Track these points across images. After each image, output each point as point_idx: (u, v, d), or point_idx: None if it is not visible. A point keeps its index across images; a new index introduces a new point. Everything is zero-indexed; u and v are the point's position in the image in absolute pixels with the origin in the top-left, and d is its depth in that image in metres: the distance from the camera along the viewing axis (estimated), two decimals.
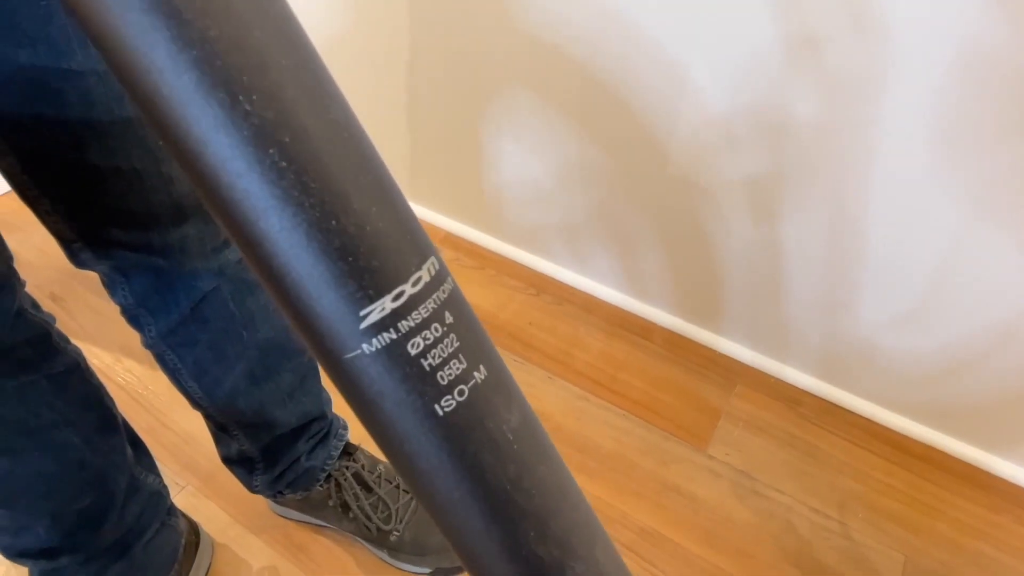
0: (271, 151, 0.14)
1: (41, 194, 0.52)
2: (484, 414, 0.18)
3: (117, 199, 0.53)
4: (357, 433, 0.92)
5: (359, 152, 0.16)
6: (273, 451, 0.79)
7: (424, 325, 0.17)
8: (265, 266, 0.15)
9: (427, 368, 0.17)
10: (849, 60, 0.80)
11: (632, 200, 1.12)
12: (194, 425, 1.02)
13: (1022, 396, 0.94)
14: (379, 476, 0.89)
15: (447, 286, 0.18)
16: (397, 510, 0.87)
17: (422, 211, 1.44)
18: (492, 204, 1.32)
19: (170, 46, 0.13)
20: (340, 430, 0.86)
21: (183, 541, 0.81)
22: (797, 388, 1.13)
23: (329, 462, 0.84)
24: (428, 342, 0.17)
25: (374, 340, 0.16)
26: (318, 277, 0.15)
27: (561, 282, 1.31)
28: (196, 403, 0.72)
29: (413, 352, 0.17)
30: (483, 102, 1.17)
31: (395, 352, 0.16)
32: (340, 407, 0.89)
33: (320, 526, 0.91)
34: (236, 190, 0.14)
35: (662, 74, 0.94)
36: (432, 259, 0.17)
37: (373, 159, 0.16)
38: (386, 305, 0.16)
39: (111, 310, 0.68)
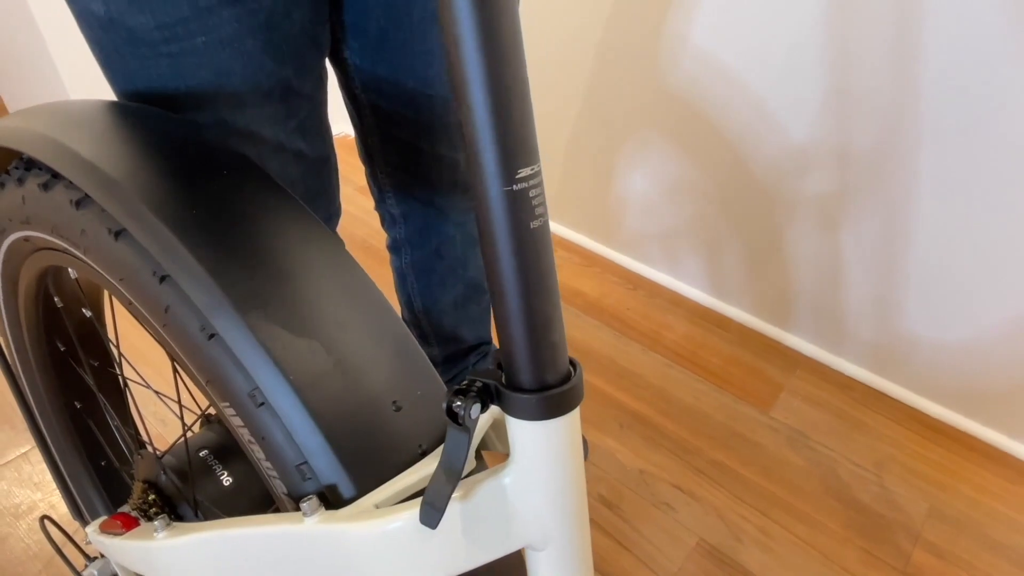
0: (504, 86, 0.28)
1: (384, 160, 0.85)
2: (546, 237, 0.30)
3: (427, 171, 0.83)
4: None
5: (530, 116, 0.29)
6: (452, 359, 1.10)
7: (537, 185, 0.29)
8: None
9: (532, 203, 0.29)
10: (893, 100, 1.08)
11: (721, 214, 1.41)
12: None
13: None
14: None
15: (543, 177, 0.29)
16: None
17: None
18: (602, 215, 1.63)
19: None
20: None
21: None
22: (849, 377, 1.36)
23: None
24: (535, 194, 0.29)
25: (519, 184, 0.28)
26: (506, 151, 0.28)
27: (654, 281, 1.59)
28: (414, 315, 1.04)
29: (530, 195, 0.29)
30: (605, 132, 1.50)
31: (523, 193, 0.29)
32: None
33: None
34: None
35: (754, 112, 1.24)
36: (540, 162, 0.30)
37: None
38: (527, 171, 0.29)
39: None
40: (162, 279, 0.43)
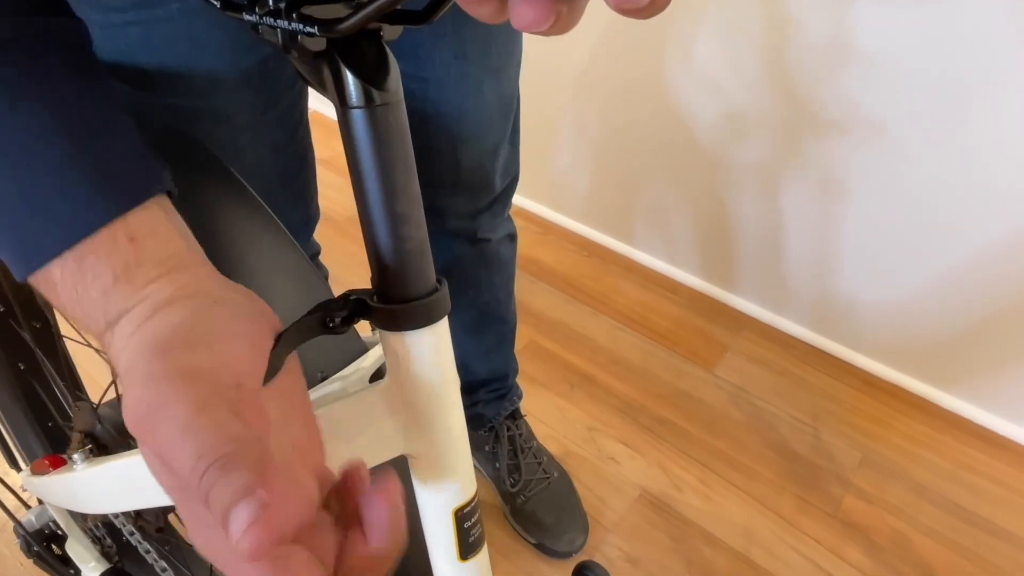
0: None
1: None
2: (408, 158, 0.33)
3: (419, 168, 0.77)
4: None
5: None
6: (462, 389, 1.05)
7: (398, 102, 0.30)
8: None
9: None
10: (828, 66, 1.12)
11: (670, 183, 1.44)
12: None
13: (961, 344, 1.21)
14: (529, 449, 1.08)
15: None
16: (529, 482, 1.06)
17: None
18: (558, 185, 1.66)
19: None
20: (515, 396, 1.09)
21: None
22: (791, 336, 1.41)
23: (497, 417, 1.07)
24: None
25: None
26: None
27: (608, 248, 1.63)
28: None
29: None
30: (555, 104, 1.52)
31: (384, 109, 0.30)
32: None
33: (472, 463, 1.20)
34: None
35: (697, 80, 1.27)
36: None
37: None
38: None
39: None
40: None
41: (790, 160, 1.25)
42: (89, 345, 0.70)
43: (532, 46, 1.50)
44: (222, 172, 0.47)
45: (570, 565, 1.03)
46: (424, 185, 0.83)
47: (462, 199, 0.80)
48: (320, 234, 0.87)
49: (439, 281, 0.34)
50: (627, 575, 1.02)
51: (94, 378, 1.25)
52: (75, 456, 0.47)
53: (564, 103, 1.51)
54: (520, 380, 1.11)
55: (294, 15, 0.26)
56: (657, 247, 1.56)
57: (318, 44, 0.27)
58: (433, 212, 0.77)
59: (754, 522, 1.09)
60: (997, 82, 0.99)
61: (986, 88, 1.00)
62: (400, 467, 0.38)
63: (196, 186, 0.46)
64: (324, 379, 0.42)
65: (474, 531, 0.39)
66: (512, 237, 0.95)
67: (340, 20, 0.25)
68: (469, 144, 0.74)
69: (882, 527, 1.09)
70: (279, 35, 0.28)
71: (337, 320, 0.32)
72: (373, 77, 0.28)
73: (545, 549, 1.03)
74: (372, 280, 0.34)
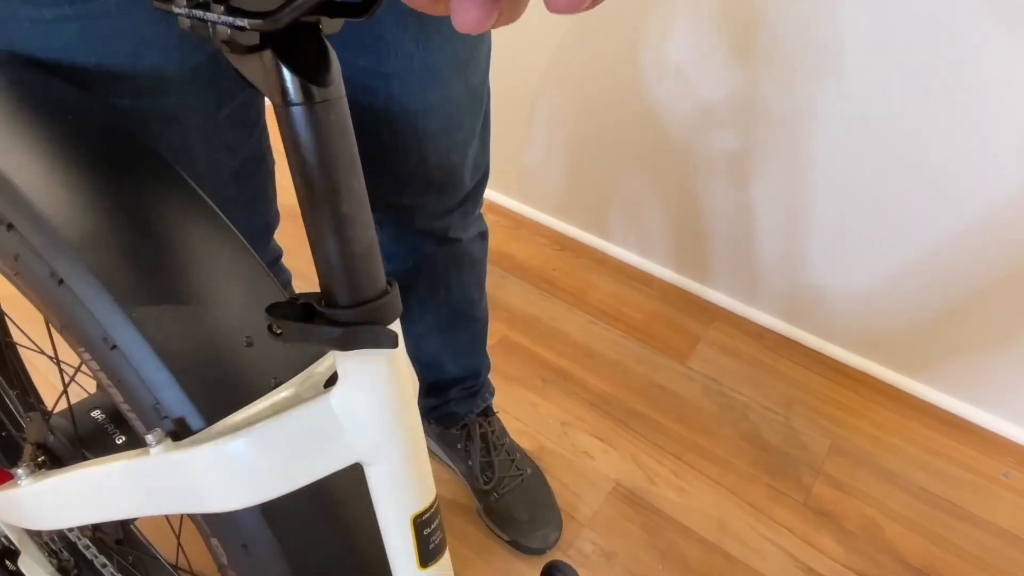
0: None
1: None
2: (352, 155, 0.30)
3: (386, 166, 0.70)
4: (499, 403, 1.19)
5: None
6: (433, 388, 1.03)
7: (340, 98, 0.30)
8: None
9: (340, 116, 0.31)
10: (795, 58, 1.12)
11: (642, 175, 1.44)
12: None
13: (928, 332, 1.23)
14: (501, 446, 1.06)
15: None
16: (502, 479, 1.04)
17: None
18: (530, 179, 1.65)
19: None
20: (487, 394, 1.07)
21: None
22: (762, 326, 1.42)
23: (469, 414, 1.05)
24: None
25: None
26: None
27: (581, 242, 1.62)
28: None
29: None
30: (527, 98, 1.50)
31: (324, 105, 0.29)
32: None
33: (444, 461, 1.12)
34: None
35: (668, 72, 1.27)
36: None
37: None
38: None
39: None
40: (8, 227, 0.42)
41: (760, 152, 1.25)
42: (43, 352, 0.68)
43: (503, 38, 1.50)
44: (168, 174, 0.45)
45: (544, 562, 1.03)
46: (391, 184, 0.77)
47: (431, 198, 0.77)
48: (288, 232, 0.85)
49: (389, 283, 0.32)
50: (602, 569, 1.02)
51: (54, 384, 1.21)
52: (19, 471, 0.45)
53: (536, 96, 1.50)
54: (493, 376, 1.10)
55: (223, 7, 0.25)
56: (630, 241, 1.56)
57: (251, 38, 0.26)
58: (401, 211, 0.77)
59: (727, 513, 1.09)
60: (967, 74, 1.00)
61: (954, 81, 1.01)
62: (356, 475, 0.37)
63: (140, 189, 0.44)
64: (277, 385, 0.41)
65: (434, 537, 0.38)
66: (483, 235, 0.93)
67: (271, 12, 0.24)
68: (437, 140, 0.70)
69: (852, 514, 1.10)
70: (209, 29, 0.26)
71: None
72: (312, 73, 0.27)
73: (519, 546, 1.03)
74: (320, 284, 0.32)
